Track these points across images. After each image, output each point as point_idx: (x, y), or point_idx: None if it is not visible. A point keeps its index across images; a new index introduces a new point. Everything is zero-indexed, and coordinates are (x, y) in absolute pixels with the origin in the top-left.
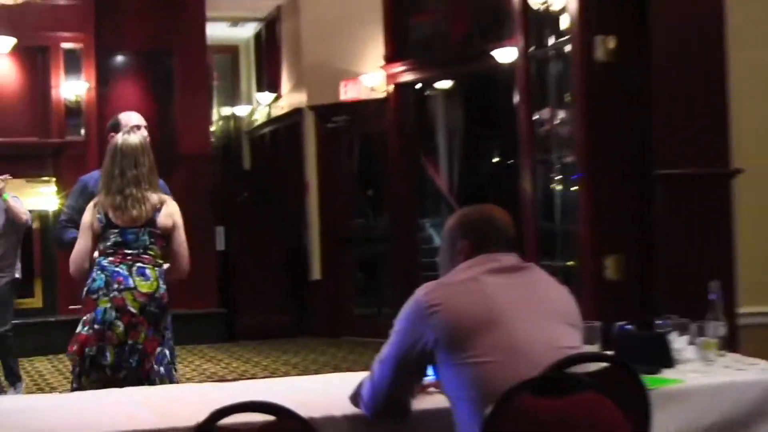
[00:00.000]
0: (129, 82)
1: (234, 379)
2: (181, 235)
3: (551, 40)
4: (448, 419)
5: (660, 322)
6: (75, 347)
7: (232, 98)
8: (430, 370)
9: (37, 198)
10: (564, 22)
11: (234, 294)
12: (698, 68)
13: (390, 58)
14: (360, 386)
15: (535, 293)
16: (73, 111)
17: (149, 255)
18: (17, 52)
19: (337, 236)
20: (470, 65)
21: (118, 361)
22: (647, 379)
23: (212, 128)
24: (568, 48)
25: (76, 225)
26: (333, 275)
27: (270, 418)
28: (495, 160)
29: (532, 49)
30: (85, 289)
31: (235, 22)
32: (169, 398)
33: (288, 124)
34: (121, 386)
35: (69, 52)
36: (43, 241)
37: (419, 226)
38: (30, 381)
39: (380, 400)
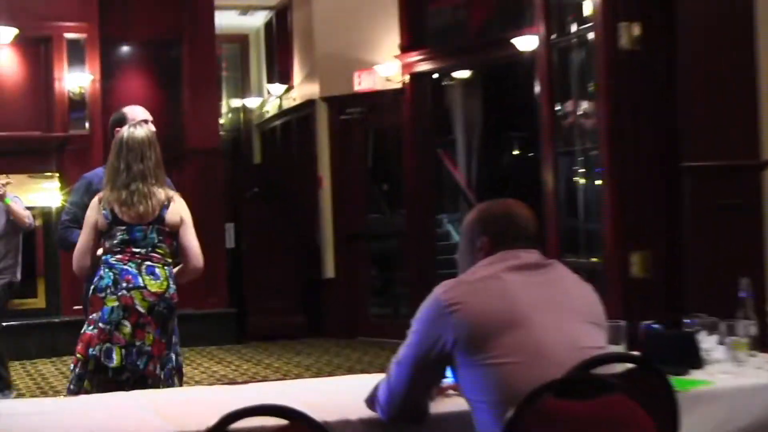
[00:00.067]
0: (135, 73)
1: (244, 382)
2: (190, 231)
3: (574, 28)
4: (467, 423)
5: (688, 321)
6: (80, 347)
7: (242, 90)
8: (448, 372)
9: (40, 194)
10: (587, 9)
11: (244, 293)
12: (726, 56)
13: (406, 47)
14: (376, 389)
15: (557, 291)
16: (76, 104)
17: (158, 253)
18: (19, 42)
19: (351, 233)
20: (489, 54)
21: (124, 363)
22: (675, 380)
23: (221, 121)
24: (591, 36)
25: (81, 224)
26: (347, 273)
27: (282, 422)
28: (515, 152)
29: (553, 36)
30: (92, 287)
31: (245, 10)
32: (178, 402)
33: (300, 116)
34: (122, 389)
35: (72, 43)
36: (46, 240)
37: (437, 221)
38: (33, 384)
39: (397, 403)
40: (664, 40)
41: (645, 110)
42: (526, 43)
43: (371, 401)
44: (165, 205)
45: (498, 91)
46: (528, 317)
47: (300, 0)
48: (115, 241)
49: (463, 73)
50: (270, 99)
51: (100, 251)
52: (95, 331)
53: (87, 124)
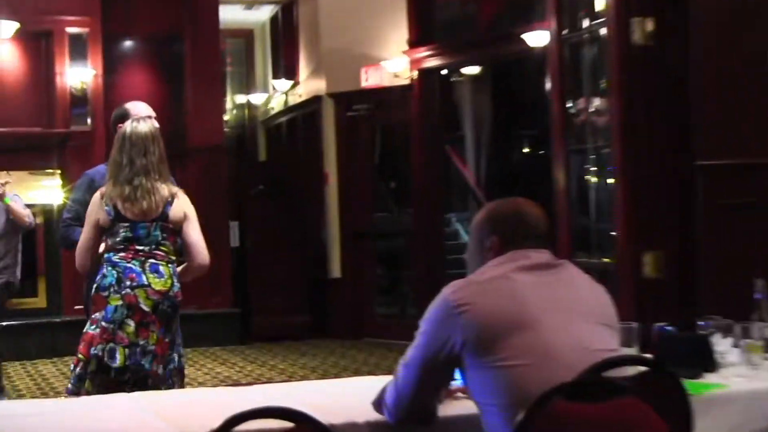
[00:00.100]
0: (137, 68)
1: (249, 384)
2: (195, 227)
3: (585, 23)
4: (476, 426)
5: (702, 323)
6: (82, 347)
7: (247, 85)
8: (457, 374)
9: (41, 191)
10: (599, 4)
11: (248, 293)
12: (741, 52)
13: (414, 43)
14: (383, 391)
15: (568, 292)
16: (78, 99)
17: (162, 251)
18: (20, 37)
19: (357, 231)
20: (499, 49)
21: (127, 363)
22: (688, 383)
23: (225, 117)
24: (603, 31)
25: (83, 222)
26: (353, 273)
27: (288, 424)
28: (526, 150)
29: (565, 32)
30: (95, 285)
31: (250, 4)
32: (180, 404)
33: (306, 112)
34: (123, 389)
35: (74, 37)
36: (47, 238)
37: (445, 220)
38: (33, 385)
39: (405, 406)
40: (677, 35)
41: (658, 106)
42: (537, 38)
43: (378, 404)
44: (169, 202)
45: (508, 87)
46: (538, 319)
47: None
48: (117, 239)
49: (473, 69)
50: (275, 95)
51: (102, 248)
52: (98, 330)
53: (89, 120)
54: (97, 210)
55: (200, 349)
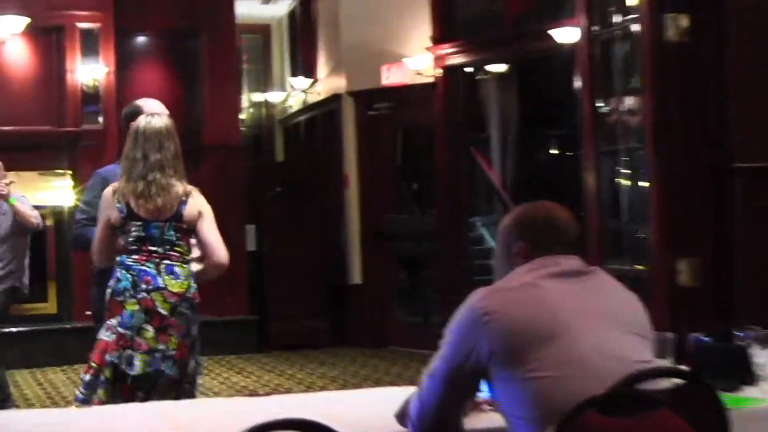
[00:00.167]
0: (151, 65)
1: (266, 394)
2: (210, 224)
3: (617, 19)
4: None
5: (740, 333)
6: (95, 355)
7: (264, 83)
8: (483, 386)
9: (51, 192)
10: None
11: (266, 299)
12: None
13: (438, 39)
14: (407, 403)
15: (600, 300)
16: (90, 97)
17: (177, 252)
18: (30, 32)
19: (378, 235)
20: (526, 46)
21: (147, 370)
22: (726, 397)
23: (242, 116)
24: (635, 27)
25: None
26: (374, 278)
27: None
28: (554, 151)
29: (595, 28)
30: (109, 290)
31: None
32: (196, 414)
33: (325, 111)
34: (136, 396)
35: (86, 33)
36: (58, 241)
37: (470, 224)
38: (43, 393)
39: (429, 419)
40: (713, 32)
41: (693, 105)
42: (566, 35)
43: (402, 416)
44: (183, 201)
45: (535, 85)
46: (568, 328)
47: None
48: (130, 239)
49: (499, 67)
50: (293, 93)
51: (121, 242)
52: (113, 337)
53: (101, 119)
54: (108, 207)
55: (215, 358)
